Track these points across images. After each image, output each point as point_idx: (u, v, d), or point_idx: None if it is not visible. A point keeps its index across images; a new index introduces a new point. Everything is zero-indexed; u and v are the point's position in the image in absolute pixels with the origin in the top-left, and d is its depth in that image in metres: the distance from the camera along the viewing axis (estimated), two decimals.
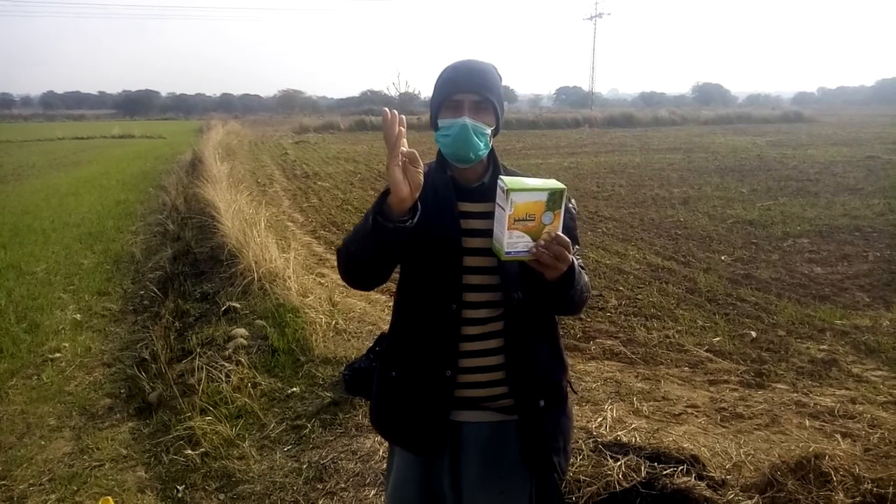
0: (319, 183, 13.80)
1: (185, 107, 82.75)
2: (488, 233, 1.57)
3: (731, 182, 12.85)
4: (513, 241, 1.44)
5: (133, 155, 23.12)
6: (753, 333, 4.91)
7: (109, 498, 2.16)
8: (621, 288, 6.15)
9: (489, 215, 1.56)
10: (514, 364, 1.65)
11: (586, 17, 72.39)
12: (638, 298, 5.84)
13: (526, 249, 1.45)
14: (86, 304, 6.29)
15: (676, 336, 4.88)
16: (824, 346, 4.67)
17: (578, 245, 1.73)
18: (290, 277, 5.46)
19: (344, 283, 1.68)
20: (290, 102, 74.50)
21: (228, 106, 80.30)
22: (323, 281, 5.91)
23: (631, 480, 2.37)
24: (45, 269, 7.50)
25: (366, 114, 39.10)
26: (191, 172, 13.43)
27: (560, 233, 1.45)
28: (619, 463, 2.45)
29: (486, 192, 1.63)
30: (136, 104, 79.58)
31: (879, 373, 4.16)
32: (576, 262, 1.53)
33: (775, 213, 9.65)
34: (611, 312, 5.48)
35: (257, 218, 7.17)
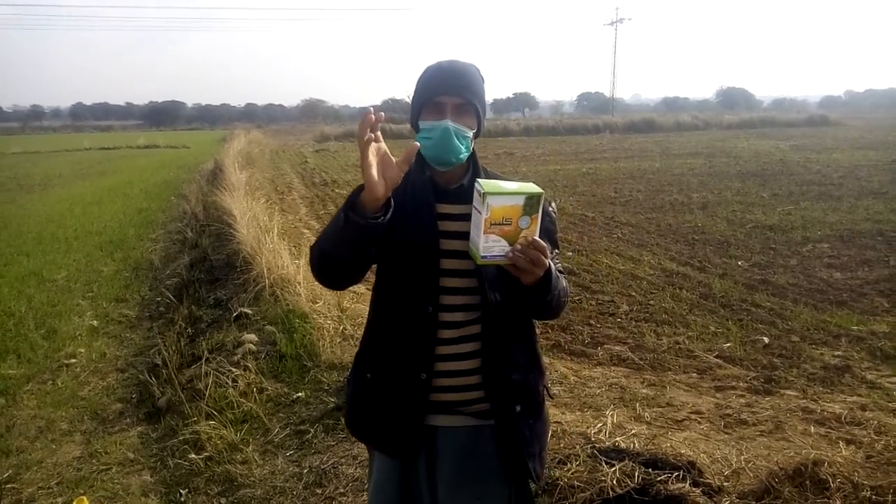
0: (337, 190, 13.89)
1: (210, 117, 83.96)
2: (467, 235, 1.56)
3: (752, 187, 12.71)
4: (489, 245, 1.43)
5: (157, 164, 23.49)
6: (766, 339, 4.84)
7: (84, 497, 2.19)
8: (633, 294, 6.10)
9: (468, 217, 1.55)
10: (490, 368, 1.64)
11: (607, 22, 72.06)
12: (650, 304, 5.78)
13: (502, 254, 1.44)
14: (103, 311, 6.39)
15: (686, 342, 4.83)
16: (839, 353, 4.58)
17: (558, 249, 1.73)
18: (300, 283, 5.50)
19: (320, 284, 1.67)
20: (312, 112, 75.37)
21: (252, 116, 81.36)
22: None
23: (625, 486, 2.34)
24: (66, 276, 7.64)
25: (387, 122, 39.19)
26: (211, 181, 13.60)
27: (537, 237, 1.44)
28: (613, 469, 2.42)
29: (466, 194, 1.62)
30: (163, 115, 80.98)
31: (894, 379, 4.07)
32: (553, 266, 1.52)
33: (796, 217, 9.51)
34: (621, 318, 5.43)
35: (271, 225, 7.24)
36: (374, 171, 1.38)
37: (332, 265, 1.55)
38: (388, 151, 1.42)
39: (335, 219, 1.48)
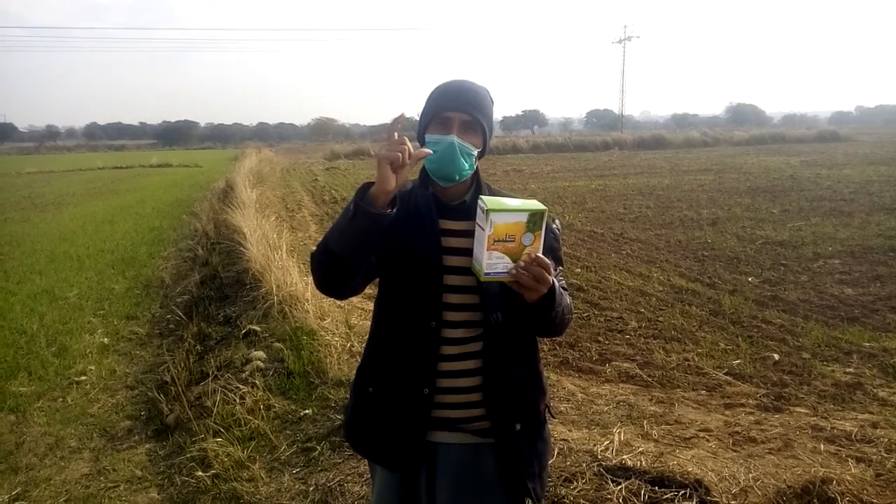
0: None
1: (222, 136, 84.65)
2: (469, 251, 1.57)
3: (762, 203, 12.65)
4: (492, 262, 1.44)
5: (170, 183, 23.70)
6: (776, 356, 4.80)
7: None
8: (642, 310, 6.07)
9: (470, 234, 1.56)
10: (491, 386, 1.64)
11: (615, 40, 72.39)
12: (659, 321, 5.75)
13: (505, 270, 1.45)
14: (114, 329, 6.43)
15: (696, 359, 4.80)
16: (850, 369, 4.54)
17: (562, 266, 1.73)
18: (308, 300, 5.52)
19: (320, 291, 1.67)
20: (323, 130, 76.00)
21: (264, 135, 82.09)
22: (341, 304, 5.94)
23: None
24: (78, 294, 7.70)
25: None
26: (222, 199, 13.70)
27: (540, 254, 1.45)
28: (619, 487, 2.41)
29: (468, 211, 1.64)
30: (176, 134, 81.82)
31: None
32: (557, 283, 1.52)
33: (806, 233, 9.46)
34: (630, 335, 5.41)
35: (280, 243, 7.28)
36: (390, 169, 1.41)
37: (333, 265, 1.53)
38: (410, 148, 1.44)
39: (343, 213, 1.49)
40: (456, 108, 1.60)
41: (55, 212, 15.87)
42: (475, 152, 1.64)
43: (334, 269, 1.55)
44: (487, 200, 1.44)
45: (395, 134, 1.44)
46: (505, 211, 1.42)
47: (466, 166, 1.62)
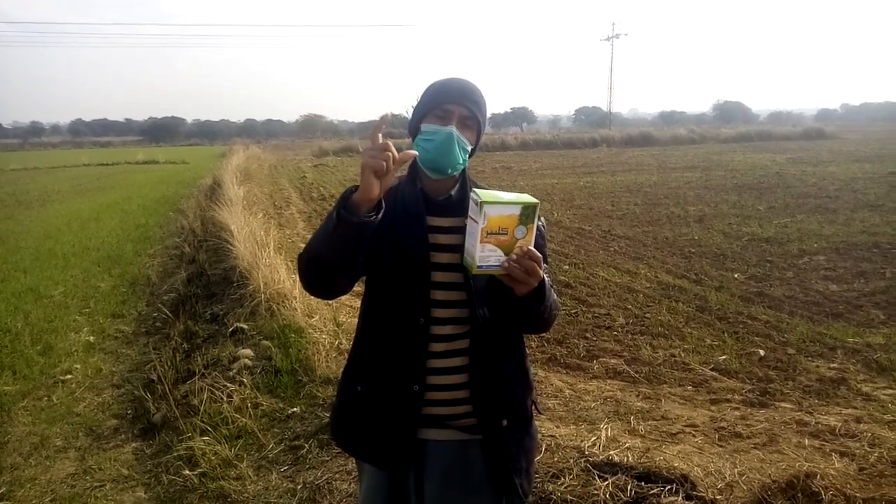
0: None
1: (209, 133, 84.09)
2: (456, 248, 1.57)
3: (748, 200, 12.75)
4: (485, 255, 1.44)
5: (156, 180, 23.51)
6: (762, 352, 4.84)
7: None
8: (630, 307, 6.10)
9: (457, 230, 1.57)
10: (478, 383, 1.64)
11: (603, 38, 72.58)
12: (646, 317, 5.79)
13: (498, 263, 1.45)
14: (100, 327, 6.38)
15: (682, 355, 4.83)
16: (834, 365, 4.59)
17: (547, 263, 1.74)
18: (296, 298, 5.51)
19: (309, 293, 1.66)
20: (311, 127, 75.65)
21: (252, 131, 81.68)
22: (329, 301, 5.94)
23: (618, 500, 2.34)
24: (63, 292, 7.62)
25: (385, 136, 39.35)
26: (209, 196, 13.60)
27: (532, 247, 1.45)
28: (606, 482, 2.42)
29: (454, 207, 1.64)
30: (162, 130, 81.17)
31: (890, 391, 4.07)
32: (546, 278, 1.53)
33: (792, 230, 9.54)
34: (617, 331, 5.43)
35: (268, 240, 7.25)
36: (373, 176, 1.40)
37: (320, 269, 1.53)
38: (394, 153, 1.42)
39: (327, 219, 1.49)
40: (458, 101, 1.61)
41: (40, 209, 15.70)
42: (469, 148, 1.65)
43: (321, 272, 1.55)
44: (481, 193, 1.44)
45: (380, 137, 1.42)
46: (499, 203, 1.42)
47: (461, 160, 1.62)
